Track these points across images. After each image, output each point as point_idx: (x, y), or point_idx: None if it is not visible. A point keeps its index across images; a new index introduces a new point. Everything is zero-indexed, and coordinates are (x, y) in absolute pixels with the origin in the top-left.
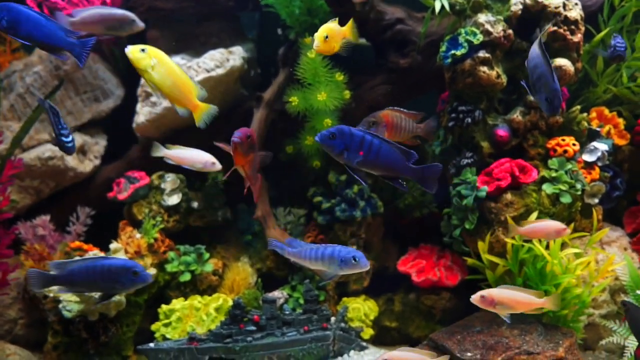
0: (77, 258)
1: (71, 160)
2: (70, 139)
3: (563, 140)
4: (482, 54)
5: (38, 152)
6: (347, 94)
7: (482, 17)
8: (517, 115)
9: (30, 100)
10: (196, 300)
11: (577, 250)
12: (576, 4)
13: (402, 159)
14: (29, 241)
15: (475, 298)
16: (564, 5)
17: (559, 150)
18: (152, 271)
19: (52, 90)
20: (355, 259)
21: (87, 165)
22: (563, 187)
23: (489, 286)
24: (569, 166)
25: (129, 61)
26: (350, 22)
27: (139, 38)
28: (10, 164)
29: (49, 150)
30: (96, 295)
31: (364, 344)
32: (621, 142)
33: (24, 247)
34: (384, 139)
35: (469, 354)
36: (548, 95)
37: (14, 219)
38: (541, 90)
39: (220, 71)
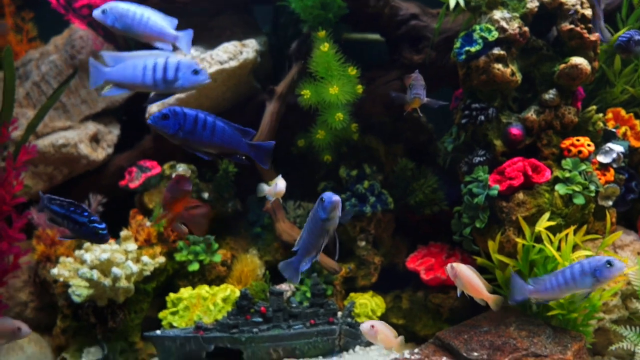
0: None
1: (84, 148)
2: (104, 225)
3: (578, 140)
4: (496, 51)
5: (52, 139)
6: (359, 88)
7: (498, 14)
8: (531, 114)
9: (45, 88)
10: (204, 290)
11: (589, 253)
12: None
13: (238, 135)
14: (41, 226)
15: (447, 267)
16: (581, 3)
17: (574, 150)
18: (161, 259)
19: (67, 79)
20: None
21: (100, 154)
22: (576, 188)
23: (499, 286)
24: (583, 167)
25: None
26: None
27: None
28: (25, 150)
29: (62, 137)
30: (106, 282)
31: None
32: (637, 144)
33: (36, 232)
34: (219, 117)
35: (475, 354)
36: None
37: (27, 204)
38: None
39: (233, 63)
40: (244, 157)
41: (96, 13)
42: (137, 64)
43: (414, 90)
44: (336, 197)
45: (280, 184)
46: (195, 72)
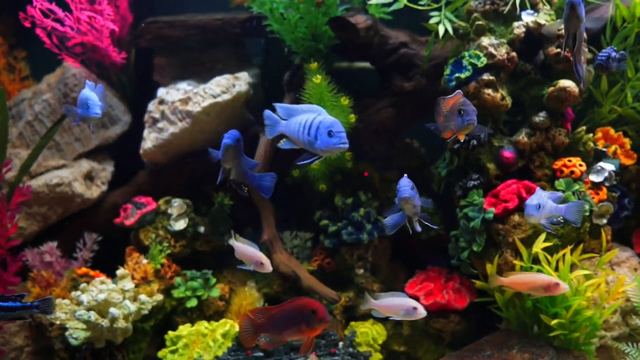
0: None
1: (79, 187)
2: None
3: (569, 161)
4: (486, 76)
5: (45, 178)
6: (352, 117)
7: (486, 40)
8: (522, 136)
9: (39, 127)
10: (203, 326)
11: (586, 272)
12: None
13: (248, 166)
14: (36, 268)
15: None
16: None
17: (566, 171)
18: (159, 297)
19: (60, 118)
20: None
21: (94, 192)
22: None
23: (498, 309)
24: (576, 187)
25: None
26: None
27: (147, 66)
28: (19, 191)
29: (56, 176)
30: (103, 323)
31: None
32: (628, 161)
33: (30, 274)
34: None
35: None
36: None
37: (21, 246)
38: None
39: (226, 97)
40: (246, 190)
41: (84, 112)
42: (299, 120)
43: (468, 116)
44: (407, 194)
45: (258, 262)
46: (330, 133)
